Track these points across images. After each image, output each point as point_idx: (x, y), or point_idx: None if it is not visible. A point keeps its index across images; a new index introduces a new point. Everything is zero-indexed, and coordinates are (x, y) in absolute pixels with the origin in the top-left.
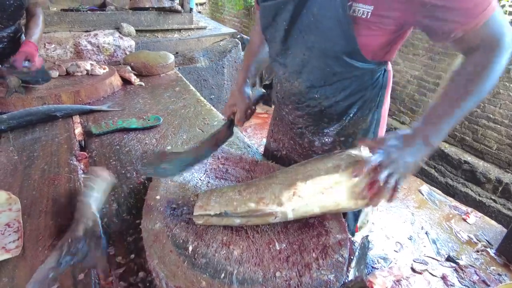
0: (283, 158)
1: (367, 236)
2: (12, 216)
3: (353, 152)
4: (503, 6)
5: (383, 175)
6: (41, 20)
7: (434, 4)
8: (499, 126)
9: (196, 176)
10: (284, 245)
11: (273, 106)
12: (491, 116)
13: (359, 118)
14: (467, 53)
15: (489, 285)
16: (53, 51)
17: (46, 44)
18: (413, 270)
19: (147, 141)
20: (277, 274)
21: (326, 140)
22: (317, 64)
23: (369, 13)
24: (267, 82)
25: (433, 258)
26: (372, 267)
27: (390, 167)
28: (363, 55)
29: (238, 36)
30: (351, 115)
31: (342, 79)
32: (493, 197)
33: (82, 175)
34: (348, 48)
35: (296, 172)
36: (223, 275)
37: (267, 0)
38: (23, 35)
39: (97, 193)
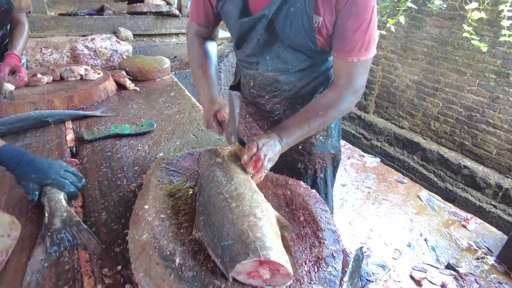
0: None
1: (361, 248)
2: (8, 244)
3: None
4: (501, 11)
5: (261, 153)
6: (26, 29)
7: (342, 25)
8: (498, 131)
9: (188, 184)
10: None
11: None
12: (491, 121)
13: None
14: (335, 78)
15: None
16: (49, 55)
17: (43, 48)
18: (412, 278)
19: (139, 148)
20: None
21: None
22: (289, 54)
23: (320, 23)
24: (233, 83)
25: (433, 266)
26: (367, 279)
27: (264, 149)
28: (325, 50)
29: None
30: (320, 92)
31: (312, 64)
32: (493, 203)
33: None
34: (310, 47)
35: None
36: None
37: (243, 17)
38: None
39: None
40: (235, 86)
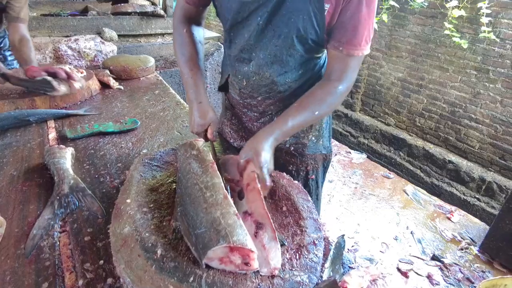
0: None
1: (342, 235)
2: None
3: None
4: (480, 8)
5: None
6: (31, 44)
7: (354, 15)
8: (480, 125)
9: (171, 179)
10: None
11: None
12: (473, 116)
13: None
14: (328, 72)
15: (473, 282)
16: None
17: None
18: (399, 270)
19: (123, 145)
20: (248, 276)
21: None
22: (289, 52)
23: (326, 11)
24: (220, 84)
25: (419, 258)
26: (349, 266)
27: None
28: (321, 42)
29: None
30: None
31: (308, 61)
32: (477, 196)
33: (47, 152)
34: (318, 37)
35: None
36: (191, 278)
37: None
38: (5, 40)
39: (67, 159)
40: (223, 87)
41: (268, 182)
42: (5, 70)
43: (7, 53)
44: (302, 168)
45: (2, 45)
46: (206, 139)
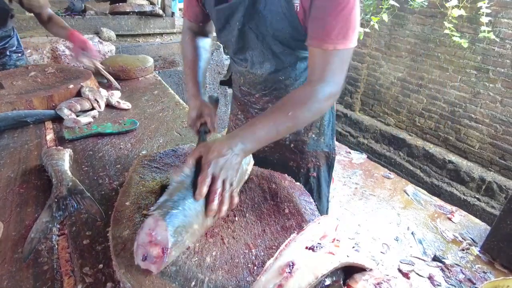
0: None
1: None
2: None
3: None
4: (480, 8)
5: (219, 183)
6: (60, 18)
7: (319, 8)
8: (480, 125)
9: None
10: (261, 250)
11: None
12: (473, 116)
13: None
14: (309, 73)
15: (474, 283)
16: (29, 56)
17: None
18: (400, 271)
19: (121, 146)
20: (251, 280)
21: None
22: (276, 50)
23: (298, 7)
24: (224, 79)
25: (420, 258)
26: None
27: (222, 174)
28: None
29: None
30: None
31: (301, 58)
32: (477, 196)
33: (45, 153)
34: (296, 35)
35: None
36: (193, 283)
37: (219, 4)
38: (12, 39)
39: (65, 161)
40: (226, 82)
41: (216, 197)
42: None
43: (14, 55)
44: (303, 165)
45: (7, 46)
46: (204, 133)
